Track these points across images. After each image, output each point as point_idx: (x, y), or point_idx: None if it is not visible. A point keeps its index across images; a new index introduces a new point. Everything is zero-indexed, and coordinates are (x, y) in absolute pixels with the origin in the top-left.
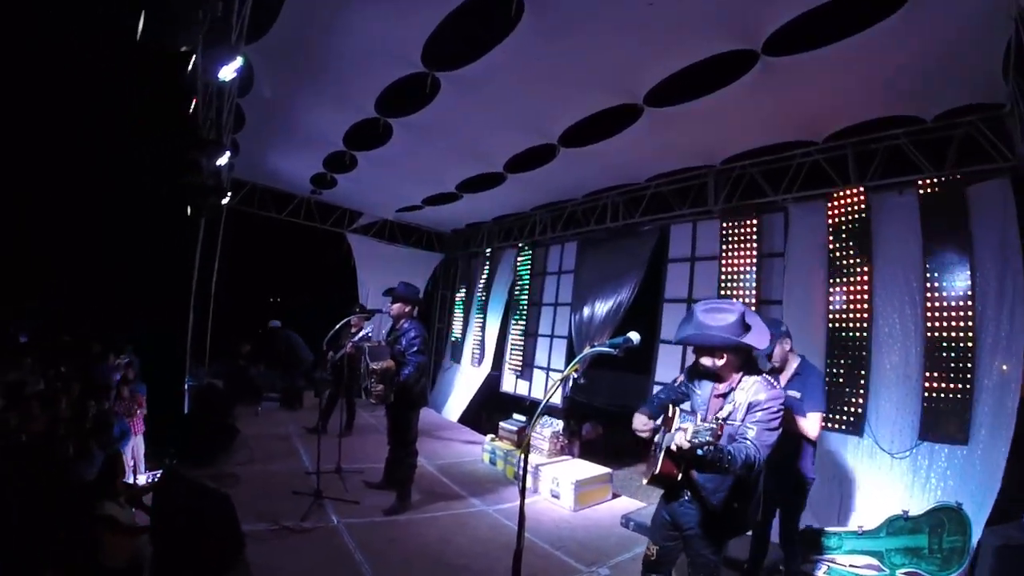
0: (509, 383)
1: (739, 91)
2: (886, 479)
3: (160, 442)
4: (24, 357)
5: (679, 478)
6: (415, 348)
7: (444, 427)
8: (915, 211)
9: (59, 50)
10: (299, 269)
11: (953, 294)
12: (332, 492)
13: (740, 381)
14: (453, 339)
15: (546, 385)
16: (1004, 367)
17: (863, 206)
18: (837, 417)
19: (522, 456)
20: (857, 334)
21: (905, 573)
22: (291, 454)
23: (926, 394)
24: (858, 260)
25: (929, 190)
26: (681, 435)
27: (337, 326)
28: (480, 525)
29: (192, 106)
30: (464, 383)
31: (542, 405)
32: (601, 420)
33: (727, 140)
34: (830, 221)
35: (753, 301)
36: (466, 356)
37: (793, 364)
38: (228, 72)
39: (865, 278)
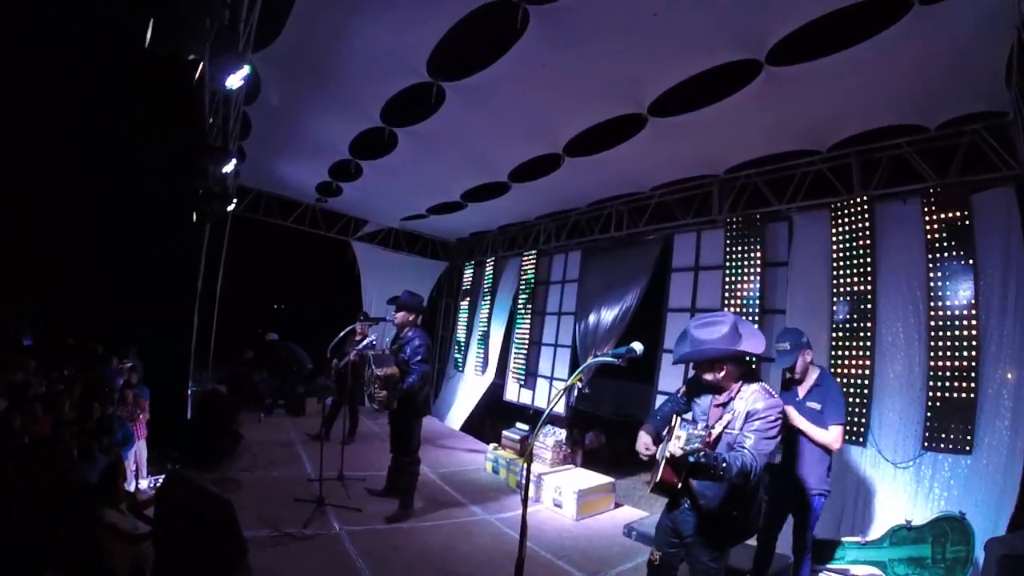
0: (512, 392)
1: (743, 101)
2: (889, 489)
3: (163, 446)
4: (28, 359)
5: (679, 486)
6: (419, 357)
7: (447, 435)
8: (919, 220)
9: (66, 55)
10: (304, 276)
11: (957, 303)
12: (334, 499)
13: (739, 391)
14: (457, 347)
15: (549, 394)
16: (1009, 376)
17: (867, 215)
18: None
19: (525, 465)
20: (861, 343)
21: None
22: (294, 461)
23: (930, 403)
24: (862, 269)
25: (933, 199)
26: (675, 443)
27: (341, 333)
28: (482, 534)
29: (199, 113)
30: (467, 391)
31: (545, 414)
32: (604, 429)
33: (731, 149)
34: (834, 230)
35: (757, 310)
36: (469, 364)
37: (812, 375)
38: (235, 80)
39: (869, 287)
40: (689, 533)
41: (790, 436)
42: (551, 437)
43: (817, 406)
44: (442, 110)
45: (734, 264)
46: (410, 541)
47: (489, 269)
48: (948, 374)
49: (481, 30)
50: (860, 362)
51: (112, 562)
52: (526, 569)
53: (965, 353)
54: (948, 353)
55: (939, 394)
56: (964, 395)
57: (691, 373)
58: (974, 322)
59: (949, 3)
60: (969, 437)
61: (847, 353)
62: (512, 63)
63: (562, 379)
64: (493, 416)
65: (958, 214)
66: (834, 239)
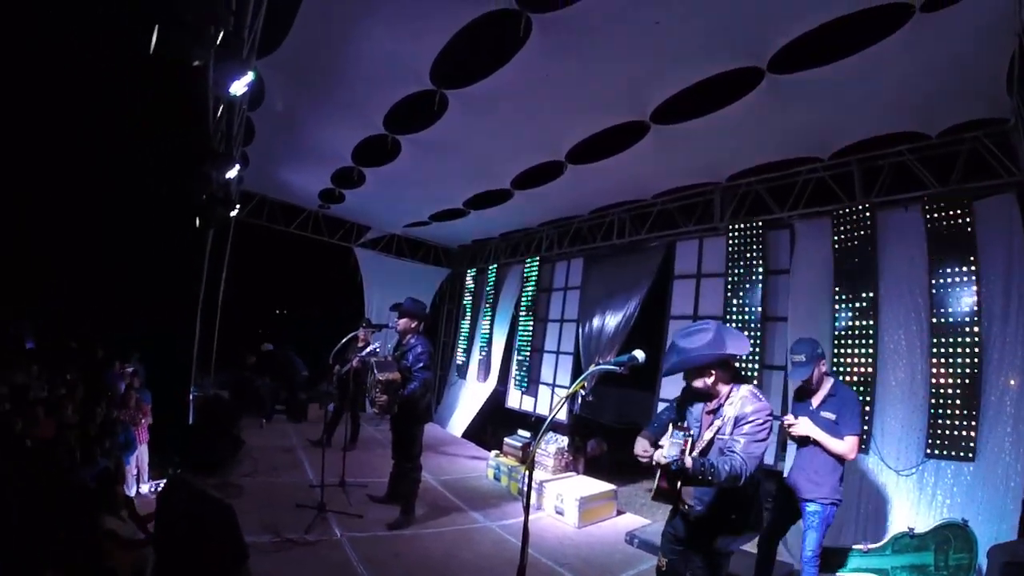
0: (514, 399)
1: (745, 108)
2: (892, 496)
3: (164, 451)
4: (31, 363)
5: (676, 492)
6: (421, 364)
7: (449, 442)
8: (921, 227)
9: (72, 60)
10: (306, 282)
11: (959, 310)
12: (336, 505)
13: (729, 396)
14: (459, 354)
15: (551, 401)
16: (1011, 383)
17: (869, 222)
18: None
19: (526, 472)
20: (862, 351)
21: None
22: (295, 467)
23: (932, 411)
24: (864, 276)
25: (935, 206)
26: (659, 452)
27: (344, 340)
28: (484, 541)
29: (203, 118)
30: (469, 398)
31: (548, 422)
32: (606, 437)
33: (733, 157)
34: (836, 237)
35: (759, 318)
36: (471, 371)
37: (826, 385)
38: (239, 86)
39: (871, 294)
40: (687, 538)
41: (802, 445)
42: (553, 444)
43: (832, 416)
44: (445, 118)
45: (736, 272)
46: (411, 548)
47: (491, 276)
48: (950, 381)
49: (484, 38)
50: (862, 369)
51: (112, 563)
52: None
53: (967, 360)
54: (950, 360)
55: (942, 401)
56: (967, 402)
57: None
58: (976, 329)
59: (950, 10)
60: (972, 444)
61: (849, 360)
62: (515, 71)
63: (564, 386)
64: (495, 423)
65: (960, 221)
66: (836, 246)
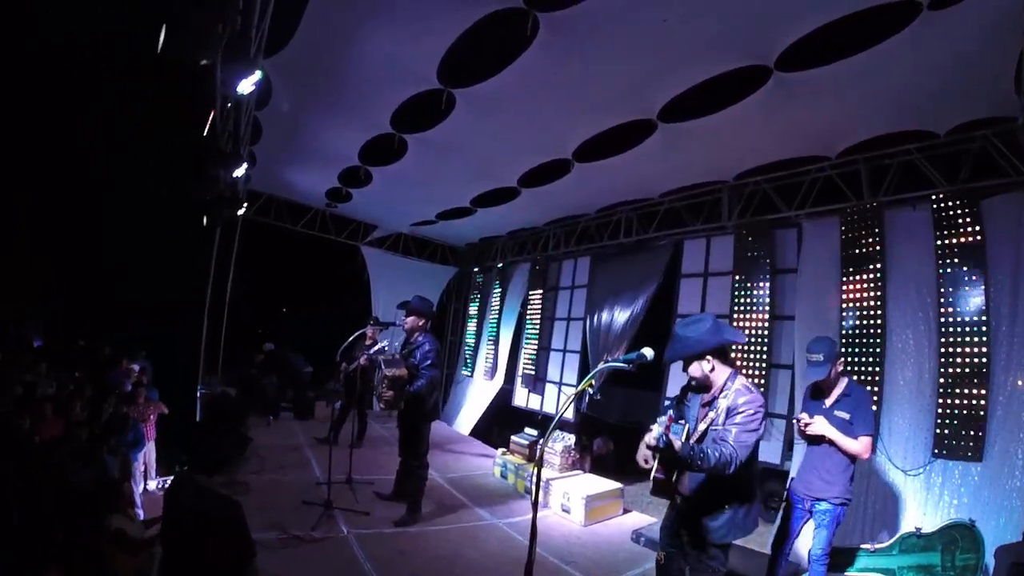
0: (521, 397)
1: (752, 106)
2: (899, 496)
3: (171, 448)
4: (39, 361)
5: (673, 485)
6: (429, 362)
7: (456, 440)
8: (929, 226)
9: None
10: (314, 280)
11: (967, 309)
12: (342, 503)
13: (724, 388)
14: (466, 352)
15: (558, 399)
16: (1020, 383)
17: (876, 221)
18: None
19: (534, 470)
20: (870, 350)
21: None
22: (302, 464)
23: (940, 411)
24: (871, 276)
25: (943, 205)
26: (649, 436)
27: (351, 338)
28: (490, 539)
29: (210, 117)
30: (476, 396)
31: (556, 420)
32: (612, 436)
33: (740, 155)
34: (843, 237)
35: (767, 316)
36: (479, 369)
37: (841, 385)
38: (246, 86)
39: (878, 294)
40: (685, 530)
41: (815, 444)
42: (560, 442)
43: (845, 415)
44: (452, 116)
45: (743, 270)
46: (418, 545)
47: (498, 274)
48: (958, 381)
49: (491, 37)
50: (870, 369)
51: (114, 566)
52: (534, 574)
53: (975, 360)
54: (958, 360)
55: (949, 401)
56: (974, 402)
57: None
58: (984, 328)
59: (957, 8)
60: (980, 445)
61: (857, 360)
62: (522, 69)
63: (571, 384)
64: (501, 421)
65: (968, 220)
66: (843, 246)
